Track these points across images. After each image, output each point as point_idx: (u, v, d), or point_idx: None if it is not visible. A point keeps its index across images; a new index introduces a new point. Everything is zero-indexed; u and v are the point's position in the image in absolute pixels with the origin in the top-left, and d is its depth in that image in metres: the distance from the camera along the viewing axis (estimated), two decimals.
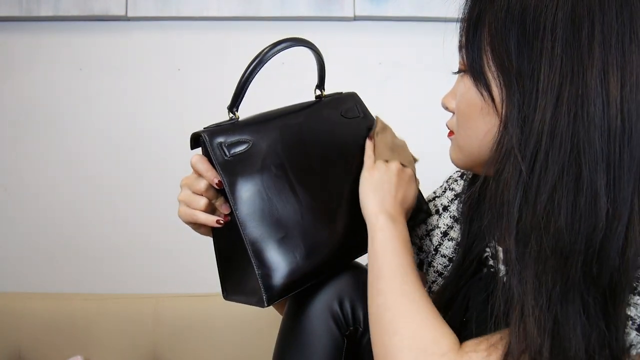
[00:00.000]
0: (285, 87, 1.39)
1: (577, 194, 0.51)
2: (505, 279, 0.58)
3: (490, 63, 0.58)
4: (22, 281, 1.45)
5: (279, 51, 0.71)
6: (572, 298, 0.51)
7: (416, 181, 0.78)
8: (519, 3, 0.55)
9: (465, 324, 0.68)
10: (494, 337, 0.57)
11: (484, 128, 0.60)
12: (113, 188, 1.45)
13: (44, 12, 1.38)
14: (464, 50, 0.61)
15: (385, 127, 0.80)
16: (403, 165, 0.76)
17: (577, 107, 0.52)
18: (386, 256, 0.66)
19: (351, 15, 1.38)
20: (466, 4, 0.62)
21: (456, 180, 0.81)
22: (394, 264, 0.65)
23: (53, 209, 1.45)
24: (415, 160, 0.80)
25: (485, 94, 0.59)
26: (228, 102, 0.72)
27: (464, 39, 0.61)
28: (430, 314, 0.61)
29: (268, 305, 0.68)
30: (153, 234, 1.45)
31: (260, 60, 0.70)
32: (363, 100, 0.84)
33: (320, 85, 0.81)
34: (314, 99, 0.81)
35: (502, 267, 0.68)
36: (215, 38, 1.42)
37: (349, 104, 0.82)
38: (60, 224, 1.45)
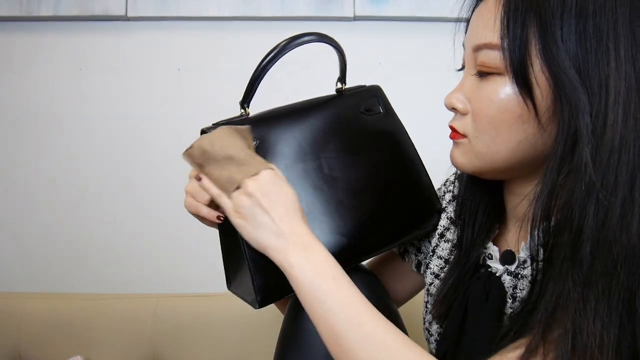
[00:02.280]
0: (288, 85, 1.39)
1: None
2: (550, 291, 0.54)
3: (538, 66, 0.54)
4: (22, 281, 1.45)
5: (297, 45, 0.69)
6: None
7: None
8: None
9: (463, 326, 0.68)
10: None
11: (519, 137, 0.57)
12: (113, 188, 1.44)
13: (44, 12, 1.38)
14: (504, 50, 0.56)
15: (203, 149, 0.64)
16: (253, 174, 0.62)
17: None
18: (329, 301, 0.57)
19: (351, 15, 1.38)
20: None
21: (453, 183, 0.81)
22: (346, 308, 0.56)
23: (53, 209, 1.45)
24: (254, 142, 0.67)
25: (528, 100, 0.55)
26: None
27: (504, 36, 0.56)
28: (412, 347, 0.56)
29: (260, 308, 0.67)
30: (153, 234, 1.45)
31: (277, 53, 0.68)
32: None
33: (342, 78, 0.79)
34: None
35: (499, 266, 0.68)
36: (215, 38, 1.42)
37: (370, 99, 0.79)
38: (60, 224, 1.45)
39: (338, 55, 0.76)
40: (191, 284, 1.42)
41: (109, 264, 1.46)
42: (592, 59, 0.52)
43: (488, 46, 0.58)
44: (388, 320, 0.57)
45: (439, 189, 0.84)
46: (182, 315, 1.25)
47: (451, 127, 0.65)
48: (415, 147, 0.81)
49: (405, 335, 0.57)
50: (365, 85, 0.82)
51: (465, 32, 0.65)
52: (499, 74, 0.58)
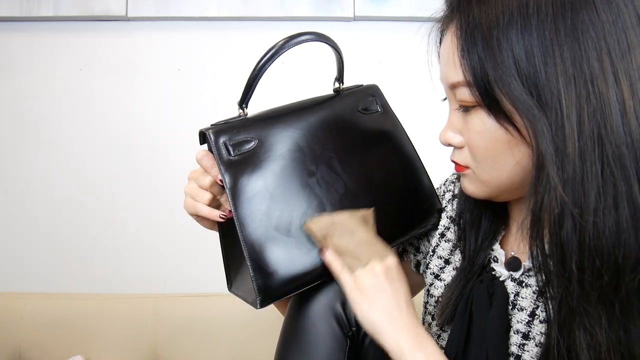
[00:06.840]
0: (286, 85, 1.40)
1: (617, 211, 0.50)
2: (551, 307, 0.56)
3: (504, 93, 0.55)
4: (22, 281, 1.45)
5: (294, 44, 0.69)
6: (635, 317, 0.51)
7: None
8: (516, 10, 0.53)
9: (469, 331, 0.68)
10: None
11: (515, 160, 0.58)
12: (113, 188, 1.45)
13: (44, 12, 1.38)
14: (470, 86, 0.57)
15: (333, 223, 0.67)
16: (381, 257, 0.65)
17: (599, 124, 0.50)
18: None
19: (351, 15, 1.38)
20: (466, 43, 0.56)
21: (453, 182, 0.81)
22: None
23: (53, 209, 1.45)
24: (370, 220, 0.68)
25: (510, 127, 0.56)
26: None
27: (466, 72, 0.57)
28: None
29: (261, 308, 0.67)
30: (153, 234, 1.45)
31: (274, 53, 0.68)
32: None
33: (339, 78, 0.79)
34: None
35: (504, 271, 0.68)
36: (215, 38, 1.42)
37: (368, 98, 0.79)
38: (60, 224, 1.45)
39: (335, 54, 0.76)
40: (191, 284, 1.42)
41: (109, 264, 1.46)
42: (542, 76, 0.52)
43: (459, 84, 0.59)
44: None
45: (438, 187, 0.83)
46: (182, 315, 1.25)
47: (453, 161, 0.66)
48: (415, 146, 0.81)
49: None
50: (362, 85, 0.81)
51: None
52: (479, 106, 0.58)
